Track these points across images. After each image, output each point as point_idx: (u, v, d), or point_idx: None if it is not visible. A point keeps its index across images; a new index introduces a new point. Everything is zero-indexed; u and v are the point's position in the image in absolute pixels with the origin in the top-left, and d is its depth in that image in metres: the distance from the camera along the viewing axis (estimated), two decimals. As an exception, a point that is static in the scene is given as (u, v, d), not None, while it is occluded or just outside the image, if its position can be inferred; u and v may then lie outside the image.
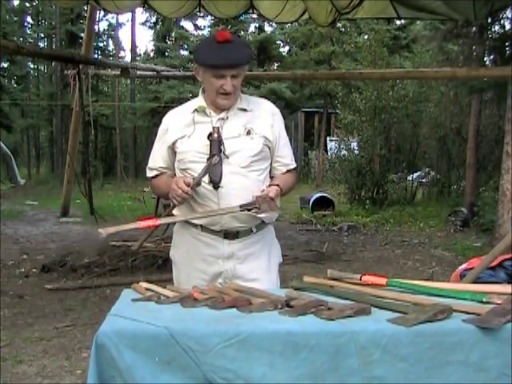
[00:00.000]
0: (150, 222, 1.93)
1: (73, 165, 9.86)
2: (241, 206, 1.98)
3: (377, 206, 11.31)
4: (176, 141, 2.12)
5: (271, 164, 2.19)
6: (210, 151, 2.04)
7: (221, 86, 2.04)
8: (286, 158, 2.20)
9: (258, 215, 2.01)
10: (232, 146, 2.06)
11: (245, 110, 2.14)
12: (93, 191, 9.16)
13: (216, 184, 2.04)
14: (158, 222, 1.97)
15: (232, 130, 2.09)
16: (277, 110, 2.22)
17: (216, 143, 2.04)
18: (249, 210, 1.99)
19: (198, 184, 2.01)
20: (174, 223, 2.18)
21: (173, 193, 2.00)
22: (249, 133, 2.09)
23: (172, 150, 2.15)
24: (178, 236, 2.24)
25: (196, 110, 2.14)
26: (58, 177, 19.20)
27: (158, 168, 2.22)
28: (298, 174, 2.34)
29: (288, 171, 2.20)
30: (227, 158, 2.05)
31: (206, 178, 2.05)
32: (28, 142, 28.02)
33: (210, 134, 2.05)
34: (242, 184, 2.03)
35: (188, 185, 1.98)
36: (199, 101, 2.16)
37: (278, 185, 2.07)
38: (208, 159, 2.04)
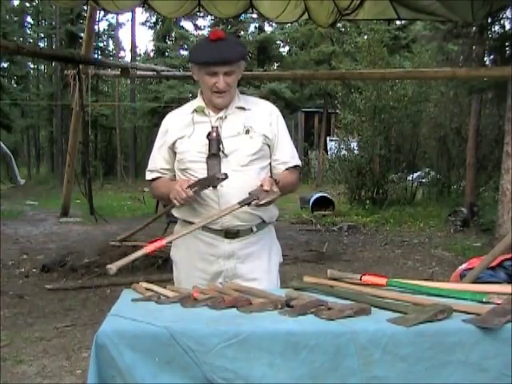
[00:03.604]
0: (157, 244, 1.92)
1: (73, 165, 9.86)
2: (239, 203, 1.96)
3: (377, 206, 11.32)
4: (176, 141, 2.13)
5: (270, 163, 2.18)
6: (209, 150, 2.04)
7: (214, 84, 2.05)
8: (284, 157, 2.17)
9: (260, 203, 1.94)
10: (231, 144, 2.06)
11: (243, 108, 2.14)
12: (93, 191, 9.16)
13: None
14: (164, 241, 1.94)
15: (231, 129, 2.09)
16: (275, 110, 2.22)
17: (215, 142, 2.04)
18: (249, 205, 1.96)
19: (202, 188, 1.99)
20: (178, 237, 2.12)
21: (175, 194, 1.98)
22: (248, 132, 2.09)
23: (172, 150, 2.15)
24: (179, 236, 2.24)
25: (195, 110, 2.14)
26: (58, 177, 19.22)
27: (160, 169, 2.20)
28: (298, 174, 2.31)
29: (288, 169, 2.17)
30: (226, 156, 2.05)
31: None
32: (28, 142, 28.06)
33: (209, 134, 2.06)
34: (241, 182, 2.02)
35: (191, 188, 1.97)
36: (198, 101, 2.17)
37: (271, 177, 2.04)
38: (207, 158, 2.05)
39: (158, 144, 2.22)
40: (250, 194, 1.96)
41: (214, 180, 1.98)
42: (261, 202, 1.94)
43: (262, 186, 1.95)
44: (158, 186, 2.22)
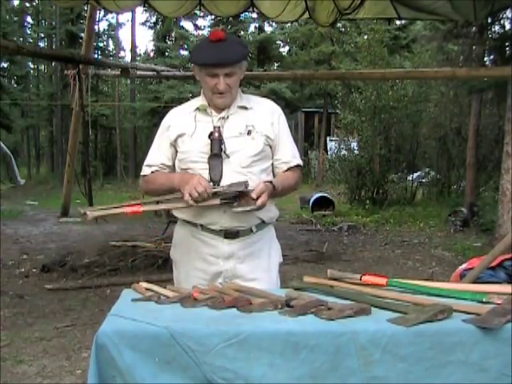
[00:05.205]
0: (134, 208, 1.98)
1: (73, 165, 9.86)
2: (222, 199, 1.96)
3: (377, 206, 11.32)
4: (177, 138, 2.11)
5: (272, 163, 2.17)
6: (211, 151, 2.04)
7: (215, 85, 2.04)
8: (286, 156, 2.16)
9: (235, 210, 1.96)
10: (233, 145, 2.06)
11: (245, 107, 2.13)
12: (93, 191, 9.15)
13: (216, 183, 2.04)
14: (142, 208, 1.99)
15: (233, 129, 2.08)
16: (278, 109, 2.21)
17: (217, 142, 2.04)
18: (231, 203, 1.97)
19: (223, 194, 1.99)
20: (159, 211, 2.14)
21: (192, 188, 1.92)
22: (250, 132, 2.08)
23: (174, 147, 2.14)
24: (179, 236, 2.24)
25: (198, 108, 2.14)
26: (58, 177, 19.20)
27: (160, 164, 2.16)
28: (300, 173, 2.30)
29: (290, 169, 2.17)
30: (228, 157, 2.05)
31: (206, 177, 2.04)
32: (28, 142, 28.04)
33: (211, 134, 2.05)
34: None
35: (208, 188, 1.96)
36: (201, 100, 2.16)
37: (270, 182, 2.02)
38: (209, 158, 2.04)
39: (158, 139, 2.19)
40: (236, 193, 1.95)
41: (234, 190, 1.96)
42: (236, 210, 1.96)
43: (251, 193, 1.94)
44: (155, 177, 2.16)
